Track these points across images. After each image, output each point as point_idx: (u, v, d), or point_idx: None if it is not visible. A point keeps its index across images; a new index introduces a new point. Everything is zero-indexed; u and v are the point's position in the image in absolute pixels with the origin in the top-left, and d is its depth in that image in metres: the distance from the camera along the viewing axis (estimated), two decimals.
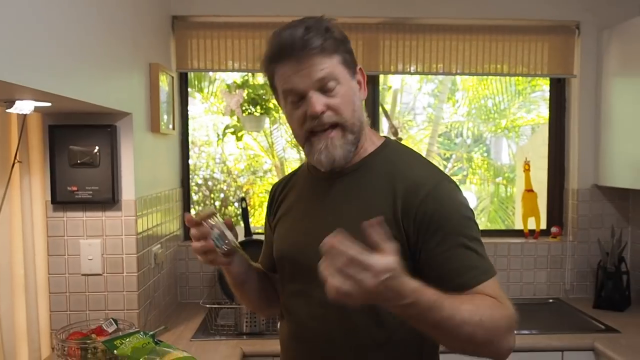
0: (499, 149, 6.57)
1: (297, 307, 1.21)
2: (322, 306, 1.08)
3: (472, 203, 5.60)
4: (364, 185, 1.14)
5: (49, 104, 1.55)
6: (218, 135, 5.26)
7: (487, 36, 2.69)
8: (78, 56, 1.50)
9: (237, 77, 3.56)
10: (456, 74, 2.74)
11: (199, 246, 1.15)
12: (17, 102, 1.46)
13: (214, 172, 5.80)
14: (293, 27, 1.07)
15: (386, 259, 0.86)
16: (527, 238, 2.82)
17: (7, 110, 1.50)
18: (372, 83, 2.83)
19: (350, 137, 1.11)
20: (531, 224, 2.84)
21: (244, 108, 3.23)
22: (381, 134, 1.28)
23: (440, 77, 5.65)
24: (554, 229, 2.78)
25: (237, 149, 5.54)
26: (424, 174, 1.13)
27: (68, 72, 1.43)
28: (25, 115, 1.92)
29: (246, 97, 3.24)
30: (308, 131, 1.11)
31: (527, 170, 2.85)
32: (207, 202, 5.63)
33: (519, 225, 3.03)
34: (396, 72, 2.74)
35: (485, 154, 6.42)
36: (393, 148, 1.21)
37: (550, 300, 2.71)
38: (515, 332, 1.04)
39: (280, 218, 1.28)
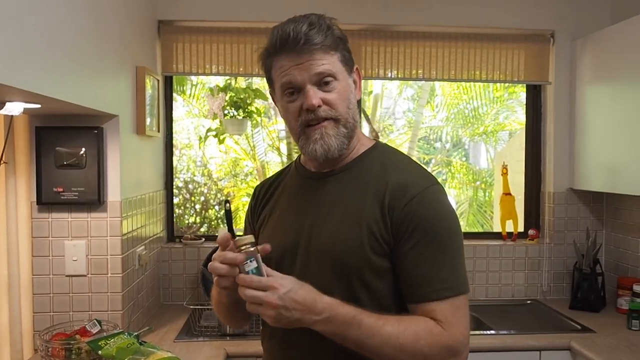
0: (477, 153, 6.70)
1: None
2: None
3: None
4: (353, 185, 1.14)
5: (38, 106, 1.56)
6: (200, 137, 5.27)
7: (465, 43, 2.76)
8: (68, 58, 1.52)
9: (220, 80, 3.59)
10: (436, 79, 2.81)
11: (225, 271, 1.03)
12: (7, 104, 1.47)
13: (194, 175, 5.80)
14: (296, 22, 1.08)
15: (282, 277, 0.97)
16: (505, 240, 2.89)
17: None
18: None
19: (344, 130, 1.12)
20: (509, 227, 2.91)
21: (226, 111, 3.25)
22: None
23: (419, 82, 5.75)
24: (531, 232, 2.86)
25: (219, 152, 5.55)
26: (414, 177, 1.13)
27: (58, 74, 1.45)
28: (12, 117, 1.93)
29: (228, 100, 3.26)
30: (303, 124, 1.12)
31: (505, 174, 2.93)
32: (188, 205, 5.61)
33: (497, 228, 3.10)
34: (378, 78, 2.80)
35: (464, 159, 6.54)
36: (383, 150, 1.21)
37: (528, 302, 2.78)
38: None
39: (265, 219, 1.26)
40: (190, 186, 5.78)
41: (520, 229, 2.94)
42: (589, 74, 2.65)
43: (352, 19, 2.70)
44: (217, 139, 4.33)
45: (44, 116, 1.93)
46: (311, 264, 1.13)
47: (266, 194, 1.30)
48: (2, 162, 1.92)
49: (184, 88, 5.37)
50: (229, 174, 6.00)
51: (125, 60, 2.11)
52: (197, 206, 5.61)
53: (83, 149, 1.95)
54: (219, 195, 5.65)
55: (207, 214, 5.72)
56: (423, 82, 5.60)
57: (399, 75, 2.77)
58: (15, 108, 1.52)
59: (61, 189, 1.94)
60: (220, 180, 5.89)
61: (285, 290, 0.97)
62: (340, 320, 0.99)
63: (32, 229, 1.96)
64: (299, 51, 1.07)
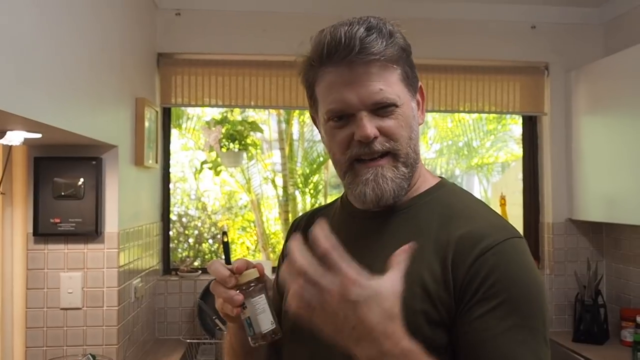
0: (470, 186, 6.72)
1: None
2: None
3: None
4: (408, 231, 0.89)
5: (39, 136, 1.56)
6: (196, 168, 5.27)
7: (460, 75, 2.80)
8: (69, 88, 1.52)
9: (216, 113, 3.61)
10: (432, 111, 2.84)
11: (229, 311, 0.88)
12: (8, 133, 1.47)
13: (188, 209, 5.77)
14: (351, 25, 0.85)
15: (373, 278, 0.69)
16: None
17: None
18: None
19: (403, 170, 0.89)
20: None
21: (222, 144, 3.26)
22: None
23: None
24: None
25: (214, 184, 5.54)
26: (487, 225, 0.86)
27: (60, 103, 1.45)
28: (10, 147, 1.92)
29: (224, 133, 3.27)
30: (352, 157, 0.89)
31: (503, 204, 2.93)
32: (181, 238, 5.56)
33: None
34: None
35: None
36: (450, 189, 0.96)
37: None
38: None
39: None
40: (184, 219, 5.75)
41: None
42: (584, 105, 2.69)
43: None
44: (212, 171, 4.33)
45: (43, 146, 1.92)
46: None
47: (304, 227, 1.04)
48: None
49: (180, 121, 5.40)
50: (224, 206, 5.98)
51: (125, 91, 2.12)
52: (191, 240, 5.57)
53: (81, 180, 1.94)
54: (212, 229, 5.61)
55: (200, 247, 5.68)
56: None
57: None
58: (15, 138, 1.52)
59: (58, 220, 1.92)
60: (214, 213, 5.86)
61: (356, 294, 0.70)
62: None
63: (28, 261, 1.92)
64: (351, 63, 0.84)
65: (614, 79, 2.45)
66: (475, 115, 6.17)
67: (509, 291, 0.79)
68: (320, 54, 0.87)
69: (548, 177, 2.85)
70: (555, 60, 2.83)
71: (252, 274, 0.87)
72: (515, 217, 3.00)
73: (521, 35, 2.80)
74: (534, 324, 0.80)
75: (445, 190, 0.95)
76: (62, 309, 1.93)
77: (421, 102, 0.95)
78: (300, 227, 1.07)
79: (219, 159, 3.93)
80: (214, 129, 3.26)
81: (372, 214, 0.93)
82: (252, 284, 0.87)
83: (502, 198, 2.93)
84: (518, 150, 6.05)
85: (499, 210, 2.97)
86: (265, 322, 0.86)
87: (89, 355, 1.84)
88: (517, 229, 0.88)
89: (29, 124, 1.36)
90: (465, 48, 2.77)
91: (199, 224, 5.72)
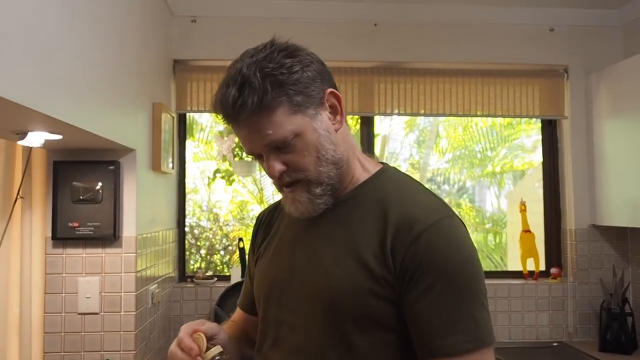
0: (483, 196, 6.64)
1: (269, 353, 1.04)
2: (294, 353, 0.99)
3: None
4: (353, 217, 0.99)
5: (59, 137, 1.55)
6: (209, 178, 5.27)
7: (479, 79, 2.77)
8: (90, 90, 1.52)
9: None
10: (450, 115, 2.81)
11: None
12: (29, 134, 1.46)
13: (200, 220, 5.76)
14: (226, 86, 0.92)
15: None
16: (526, 279, 2.81)
17: (19, 142, 1.50)
18: (367, 124, 2.88)
19: (317, 190, 0.97)
20: (530, 265, 2.83)
21: (235, 153, 3.25)
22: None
23: (425, 124, 5.78)
24: (553, 270, 2.78)
25: (226, 193, 5.53)
26: (422, 207, 0.95)
27: (81, 104, 1.44)
28: (30, 151, 1.92)
29: (237, 142, 3.26)
30: (276, 184, 1.01)
31: (523, 210, 2.88)
32: (193, 250, 5.55)
33: (512, 267, 3.02)
34: (391, 114, 2.80)
35: (469, 203, 6.48)
36: (390, 176, 1.05)
37: (555, 344, 2.67)
38: None
39: (264, 250, 1.13)
40: (195, 231, 5.74)
41: (542, 267, 2.85)
42: (605, 108, 2.64)
43: (363, 56, 2.73)
44: (224, 180, 4.30)
45: (62, 150, 1.92)
46: (300, 308, 0.99)
47: (266, 221, 1.18)
48: (19, 196, 1.90)
49: (193, 131, 5.41)
50: (235, 217, 5.96)
51: (143, 96, 2.11)
52: (203, 251, 5.55)
53: (99, 184, 1.93)
54: (224, 241, 5.59)
55: (212, 259, 5.66)
56: (429, 124, 5.63)
57: (413, 112, 2.77)
58: (36, 139, 1.51)
59: (77, 224, 1.90)
60: (226, 225, 5.84)
61: None
62: None
63: (46, 265, 1.91)
64: (237, 121, 0.93)
65: (635, 81, 2.40)
66: (489, 122, 6.13)
67: (443, 267, 0.89)
68: (218, 116, 0.97)
69: (569, 182, 2.79)
70: (575, 63, 2.79)
71: (216, 350, 0.94)
72: (535, 226, 2.93)
73: (540, 38, 2.77)
74: (470, 293, 0.90)
75: (385, 177, 1.04)
76: (79, 313, 1.91)
77: (337, 103, 0.99)
78: (263, 221, 1.19)
79: (231, 169, 3.91)
80: (226, 138, 3.25)
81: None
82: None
83: (522, 204, 2.88)
84: (533, 158, 6.00)
85: (519, 217, 2.92)
86: None
87: None
88: (449, 208, 0.98)
89: (50, 124, 1.35)
90: (483, 52, 2.74)
91: (211, 235, 5.71)
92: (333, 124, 0.98)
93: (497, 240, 6.15)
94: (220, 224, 5.77)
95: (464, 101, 2.76)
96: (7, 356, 1.88)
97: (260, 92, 0.90)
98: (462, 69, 2.76)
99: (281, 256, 1.07)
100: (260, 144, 0.94)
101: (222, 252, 5.45)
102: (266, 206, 1.28)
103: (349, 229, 0.98)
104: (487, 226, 6.33)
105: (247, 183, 5.52)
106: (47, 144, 1.70)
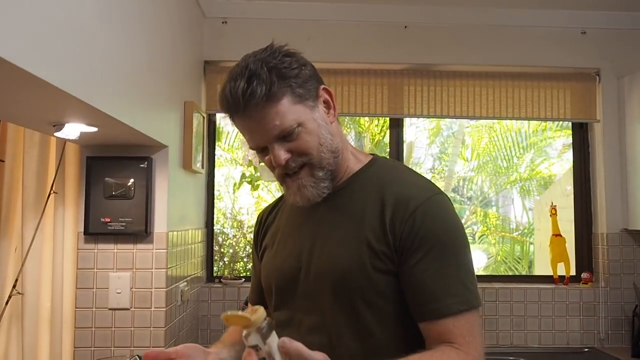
0: (508, 205, 6.55)
1: (287, 336, 1.11)
2: (311, 333, 1.05)
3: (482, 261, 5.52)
4: (351, 204, 1.08)
5: (94, 129, 1.57)
6: (235, 183, 5.29)
7: (509, 82, 2.74)
8: (126, 84, 1.54)
9: None
10: (480, 117, 2.78)
11: None
12: (66, 126, 1.48)
13: (224, 227, 5.78)
14: (234, 80, 1.00)
15: None
16: (557, 284, 2.75)
17: (55, 134, 1.52)
18: (397, 126, 2.87)
19: (320, 174, 1.06)
20: (560, 270, 2.78)
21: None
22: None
23: (447, 133, 5.74)
24: (584, 275, 2.72)
25: (252, 197, 5.54)
26: (415, 186, 1.07)
27: (118, 96, 1.46)
28: (64, 147, 1.95)
29: None
30: (280, 177, 1.08)
31: (554, 214, 2.82)
32: (217, 257, 5.56)
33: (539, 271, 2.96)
34: (420, 116, 2.79)
35: (495, 211, 6.39)
36: (381, 164, 1.15)
37: (586, 349, 2.61)
38: None
39: (267, 245, 1.21)
40: (219, 238, 5.76)
41: (572, 272, 2.79)
42: (637, 111, 2.59)
43: (393, 59, 2.72)
44: (250, 185, 4.32)
45: (95, 146, 1.94)
46: (313, 289, 1.07)
47: (267, 220, 1.26)
48: (52, 191, 1.93)
49: (220, 137, 5.45)
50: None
51: (175, 94, 2.13)
52: (226, 258, 5.56)
53: (132, 180, 1.94)
54: (247, 248, 5.60)
55: (235, 266, 5.67)
56: (454, 129, 5.58)
57: (442, 114, 2.75)
58: (72, 131, 1.53)
59: (109, 219, 1.92)
60: (250, 232, 5.85)
61: None
62: None
63: (78, 260, 1.93)
64: (246, 112, 1.00)
65: None
66: (515, 127, 6.05)
67: (435, 238, 1.00)
68: (225, 111, 1.04)
69: (601, 186, 2.74)
70: (607, 66, 2.74)
71: (262, 312, 0.85)
72: (563, 232, 2.86)
73: (571, 41, 2.73)
74: (460, 260, 1.02)
75: (377, 165, 1.14)
76: (110, 309, 1.92)
77: (330, 100, 1.08)
78: (263, 220, 1.27)
79: (256, 174, 3.92)
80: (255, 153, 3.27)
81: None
82: (265, 323, 0.85)
83: (553, 208, 2.83)
84: (559, 166, 5.90)
85: (546, 225, 2.87)
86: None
87: (137, 357, 1.81)
88: (437, 187, 1.10)
89: (88, 114, 1.36)
90: (515, 54, 2.71)
91: (234, 243, 5.73)
92: (328, 116, 1.08)
93: (524, 250, 6.05)
94: (244, 231, 5.79)
95: (494, 104, 2.73)
96: (38, 351, 1.90)
97: (268, 83, 0.98)
98: (492, 72, 2.73)
99: (286, 246, 1.14)
100: (268, 135, 1.01)
101: (245, 260, 5.46)
102: None
103: (349, 213, 1.07)
104: (515, 234, 6.23)
105: (272, 189, 5.53)
106: (82, 139, 1.72)
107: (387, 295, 1.02)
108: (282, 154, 1.02)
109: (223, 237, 5.82)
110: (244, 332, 0.83)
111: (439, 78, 2.74)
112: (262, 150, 1.06)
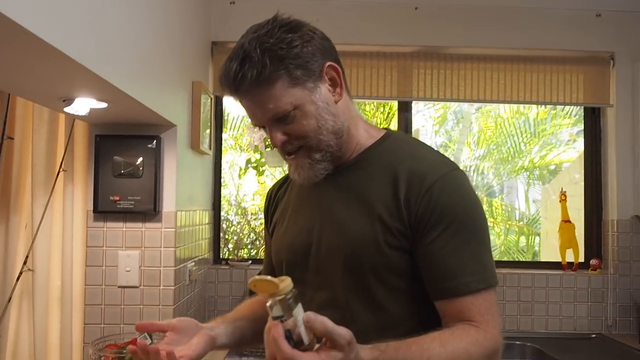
0: (513, 194, 6.51)
1: None
2: (322, 309, 1.00)
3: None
4: (362, 179, 1.06)
5: (104, 105, 1.56)
6: (240, 169, 5.29)
7: (521, 65, 2.71)
8: (137, 61, 1.53)
9: None
10: (491, 101, 2.75)
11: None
12: (76, 101, 1.47)
13: (228, 214, 5.79)
14: (230, 60, 0.99)
15: (335, 355, 0.78)
16: (565, 270, 2.74)
17: (65, 109, 1.52)
18: (405, 110, 2.84)
19: (317, 156, 1.03)
20: (569, 257, 2.76)
21: (267, 143, 3.24)
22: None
23: (452, 122, 5.70)
24: (593, 262, 2.71)
25: (258, 183, 5.54)
26: (430, 162, 1.03)
27: (129, 72, 1.45)
28: (72, 125, 1.94)
29: None
30: (282, 153, 1.07)
31: (563, 200, 2.80)
32: (221, 244, 5.57)
33: (547, 257, 2.94)
34: (430, 99, 2.76)
35: (499, 200, 6.37)
36: (395, 139, 1.11)
37: (593, 335, 2.60)
38: (499, 358, 0.98)
39: (277, 221, 1.20)
40: (223, 225, 5.77)
41: (581, 259, 2.78)
42: None
43: (403, 41, 2.69)
44: (255, 170, 4.30)
45: (104, 124, 1.94)
46: (324, 265, 1.06)
47: (277, 195, 1.24)
48: (61, 169, 1.93)
49: (225, 123, 5.43)
50: (263, 210, 5.96)
51: (183, 74, 2.12)
52: (230, 245, 5.58)
53: (140, 159, 1.94)
54: (251, 235, 5.60)
55: (240, 252, 5.68)
56: (461, 115, 5.55)
57: (452, 97, 2.72)
58: (82, 107, 1.52)
59: (117, 198, 1.92)
60: (254, 219, 5.86)
61: None
62: None
63: (87, 238, 1.93)
64: (240, 93, 0.99)
65: None
66: (523, 116, 6.00)
67: (453, 215, 0.98)
68: (222, 88, 1.02)
69: (612, 173, 2.71)
70: (622, 49, 2.70)
71: (289, 282, 0.81)
72: (572, 221, 2.84)
73: (585, 24, 2.69)
74: (478, 238, 1.00)
75: (390, 139, 1.10)
76: (119, 287, 1.93)
77: (336, 76, 1.03)
78: (273, 196, 1.25)
79: (262, 160, 3.91)
80: (259, 128, 3.25)
81: (329, 175, 1.07)
82: (291, 294, 0.81)
83: (563, 194, 2.81)
84: (567, 154, 5.86)
85: (559, 207, 2.85)
86: (306, 334, 0.81)
87: (146, 334, 1.81)
88: (454, 162, 1.05)
89: (99, 88, 1.36)
90: (527, 37, 2.68)
91: (238, 230, 5.73)
92: (333, 95, 1.04)
93: (530, 242, 6.02)
94: (248, 218, 5.79)
95: (505, 88, 2.70)
96: (48, 326, 1.91)
97: (259, 66, 0.95)
98: (503, 55, 2.70)
99: (297, 222, 1.13)
100: (263, 117, 1.01)
101: (249, 247, 5.47)
102: None
103: (360, 188, 1.05)
104: (521, 224, 6.21)
105: (277, 175, 5.52)
106: (91, 116, 1.72)
107: (399, 271, 1.01)
108: (278, 136, 1.01)
109: (227, 224, 5.84)
110: (269, 302, 0.80)
111: (449, 61, 2.71)
112: (263, 127, 1.05)
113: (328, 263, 1.05)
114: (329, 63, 1.02)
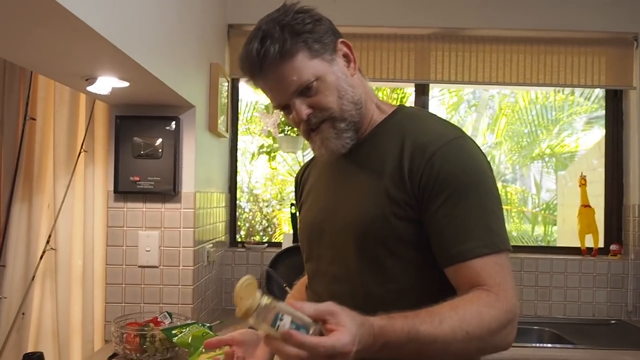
0: (529, 180, 6.45)
1: (315, 286, 1.16)
2: (335, 282, 1.08)
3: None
4: (373, 154, 1.09)
5: (126, 85, 1.56)
6: (253, 154, 5.30)
7: (541, 47, 2.66)
8: (160, 41, 1.53)
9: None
10: (510, 84, 2.71)
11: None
12: (98, 79, 1.48)
13: (240, 201, 5.81)
14: (249, 43, 1.02)
15: (344, 336, 0.78)
16: (584, 255, 2.71)
17: (88, 88, 1.52)
18: (422, 93, 2.82)
19: (342, 125, 1.06)
20: (588, 242, 2.73)
21: (280, 129, 3.24)
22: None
23: (465, 108, 5.64)
24: (613, 247, 2.68)
25: (271, 168, 5.56)
26: (434, 132, 1.05)
27: (153, 50, 1.46)
28: (93, 106, 1.95)
29: (283, 118, 3.25)
30: (305, 133, 1.09)
31: (583, 185, 2.77)
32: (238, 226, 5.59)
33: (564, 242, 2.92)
34: (448, 82, 2.73)
35: (515, 187, 6.31)
36: (405, 113, 1.13)
37: (612, 321, 2.58)
38: (515, 323, 0.95)
39: (303, 202, 1.25)
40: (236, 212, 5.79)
41: (601, 244, 2.75)
42: None
43: (420, 23, 2.66)
44: (267, 155, 4.29)
45: (124, 105, 1.94)
46: (337, 240, 1.09)
47: (303, 179, 1.30)
48: (82, 150, 1.94)
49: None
50: (275, 197, 5.98)
51: (202, 57, 2.12)
52: (242, 232, 5.61)
53: (160, 140, 1.94)
54: (263, 222, 5.61)
55: (253, 239, 5.71)
56: (474, 104, 5.49)
57: (470, 80, 2.69)
58: (104, 86, 1.53)
59: (137, 179, 1.93)
60: (266, 206, 5.88)
61: (353, 350, 0.80)
62: (396, 344, 0.86)
63: (108, 218, 1.95)
64: (264, 73, 1.03)
65: None
66: (540, 101, 5.92)
67: (457, 182, 0.98)
68: (244, 74, 1.06)
69: (634, 156, 2.67)
70: None
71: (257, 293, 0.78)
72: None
73: (608, 5, 2.63)
74: (483, 203, 0.99)
75: (401, 114, 1.13)
76: (139, 266, 1.95)
77: (349, 53, 1.09)
78: (299, 180, 1.30)
79: (275, 145, 3.90)
80: (272, 113, 3.24)
81: (343, 153, 1.10)
82: (266, 298, 0.79)
83: (582, 178, 2.77)
84: (585, 140, 5.78)
85: (575, 194, 2.82)
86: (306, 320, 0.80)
87: (166, 313, 1.84)
88: (461, 130, 1.07)
89: (122, 65, 1.36)
90: (547, 18, 2.63)
91: (250, 217, 5.75)
92: (348, 69, 1.08)
93: (547, 231, 5.97)
94: (260, 205, 5.80)
95: (525, 70, 2.66)
96: (71, 304, 1.94)
97: (281, 41, 1.00)
98: (523, 37, 2.66)
99: (317, 201, 1.18)
100: (286, 92, 1.03)
101: (261, 234, 5.50)
102: None
103: (371, 164, 1.08)
104: (535, 210, 6.16)
105: (288, 161, 5.52)
106: (111, 97, 1.72)
107: (409, 242, 1.02)
108: (304, 109, 1.04)
109: (239, 211, 5.86)
110: (253, 318, 0.78)
111: (467, 43, 2.68)
112: (285, 108, 1.08)
113: (341, 238, 1.08)
114: (340, 39, 1.08)
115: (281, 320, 0.77)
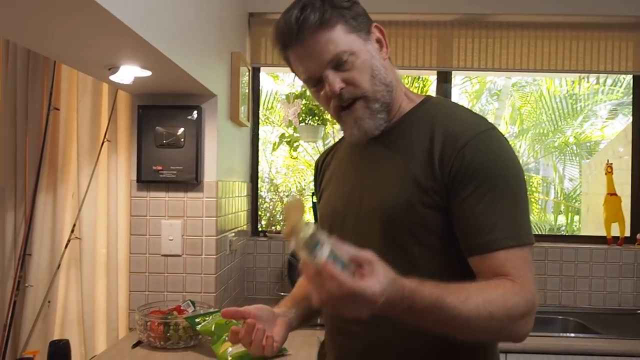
0: (549, 169, 6.35)
1: None
2: None
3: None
4: (401, 142, 1.08)
5: (148, 74, 1.57)
6: (274, 143, 5.30)
7: (567, 33, 2.61)
8: (181, 30, 1.52)
9: (296, 87, 3.58)
10: (534, 70, 2.66)
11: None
12: (121, 69, 1.48)
13: (260, 191, 5.83)
14: (289, 11, 1.02)
15: (375, 284, 0.78)
16: (610, 244, 2.66)
17: (110, 77, 1.53)
18: (445, 80, 2.78)
19: (376, 106, 1.06)
20: (614, 231, 2.68)
21: (301, 118, 3.23)
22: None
23: (486, 98, 5.57)
24: None
25: (292, 158, 5.56)
26: (465, 122, 1.04)
27: (175, 39, 1.45)
28: (115, 96, 1.96)
29: (304, 108, 3.24)
30: (336, 110, 1.07)
31: (609, 173, 2.71)
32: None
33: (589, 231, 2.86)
34: (471, 69, 2.69)
35: (537, 176, 6.22)
36: (434, 103, 1.13)
37: (639, 312, 2.53)
38: (533, 315, 0.94)
39: (324, 188, 1.24)
40: (257, 201, 5.81)
41: (627, 233, 2.70)
42: None
43: (442, 9, 2.61)
44: (289, 146, 4.30)
45: (146, 95, 1.95)
46: (362, 227, 1.07)
47: (324, 164, 1.28)
48: (105, 139, 1.96)
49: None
50: (295, 186, 5.99)
51: (222, 45, 2.11)
52: (263, 222, 5.63)
53: (182, 129, 1.95)
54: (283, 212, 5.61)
55: (273, 229, 5.73)
56: (496, 92, 5.42)
57: (494, 67, 2.65)
58: (126, 75, 1.53)
59: (160, 168, 1.94)
60: (287, 196, 5.89)
61: (381, 300, 0.80)
62: (420, 309, 0.86)
63: (131, 207, 1.97)
64: (300, 41, 1.01)
65: None
66: (563, 91, 5.82)
67: (486, 172, 0.98)
68: (278, 42, 1.05)
69: None
70: None
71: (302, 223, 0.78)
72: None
73: None
74: (510, 196, 0.98)
75: (430, 104, 1.12)
76: (163, 255, 1.96)
77: (382, 38, 1.09)
78: (320, 166, 1.29)
79: (296, 134, 3.90)
80: (293, 103, 3.23)
81: (369, 140, 1.09)
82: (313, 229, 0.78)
83: (609, 166, 2.72)
84: (610, 128, 5.67)
85: (600, 182, 2.76)
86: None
87: (189, 301, 1.85)
88: (490, 122, 1.06)
89: (145, 53, 1.36)
90: (573, 3, 2.56)
91: (271, 207, 5.77)
92: (380, 53, 1.08)
93: (570, 219, 5.89)
94: (280, 195, 5.82)
95: (550, 56, 2.61)
96: (95, 292, 1.96)
97: (322, 10, 1.00)
98: (548, 22, 2.60)
99: (339, 187, 1.17)
100: (321, 62, 1.02)
101: (282, 224, 5.51)
102: None
103: (398, 151, 1.07)
104: (557, 199, 6.07)
105: (310, 150, 5.52)
106: (134, 87, 1.73)
107: (435, 230, 1.02)
108: (337, 82, 1.03)
109: (260, 200, 5.89)
110: (296, 240, 0.78)
111: (490, 29, 2.63)
112: (316, 83, 1.06)
113: (366, 225, 1.07)
114: (375, 24, 1.08)
115: (321, 249, 0.78)
